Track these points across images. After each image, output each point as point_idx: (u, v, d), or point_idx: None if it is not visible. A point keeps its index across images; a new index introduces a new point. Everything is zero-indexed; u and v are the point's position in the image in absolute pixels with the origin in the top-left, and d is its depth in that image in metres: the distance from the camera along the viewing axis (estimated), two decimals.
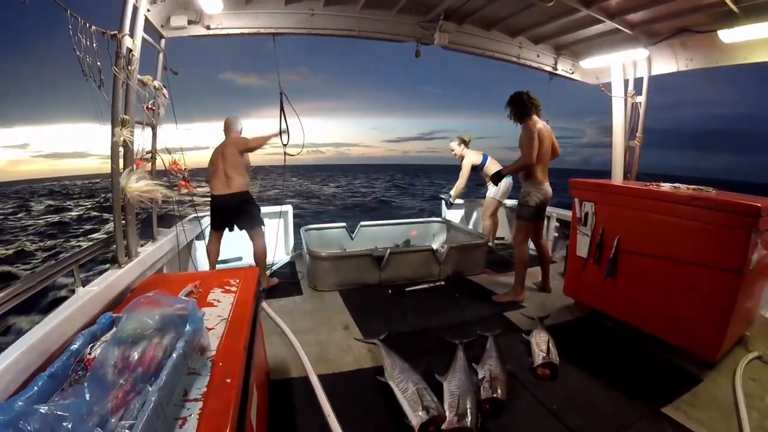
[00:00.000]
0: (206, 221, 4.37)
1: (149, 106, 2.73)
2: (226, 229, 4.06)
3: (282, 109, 3.90)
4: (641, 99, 4.48)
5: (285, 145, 4.00)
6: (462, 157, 5.47)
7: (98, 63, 2.19)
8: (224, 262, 4.40)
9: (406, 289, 4.06)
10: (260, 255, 4.03)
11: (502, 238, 6.01)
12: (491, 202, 5.43)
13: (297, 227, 5.41)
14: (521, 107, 3.55)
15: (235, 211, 3.88)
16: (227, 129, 3.95)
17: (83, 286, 2.07)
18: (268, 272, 4.33)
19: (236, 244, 4.55)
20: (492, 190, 5.32)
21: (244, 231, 4.05)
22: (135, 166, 2.53)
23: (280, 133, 3.96)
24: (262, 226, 4.07)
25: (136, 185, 2.34)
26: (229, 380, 1.25)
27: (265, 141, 3.89)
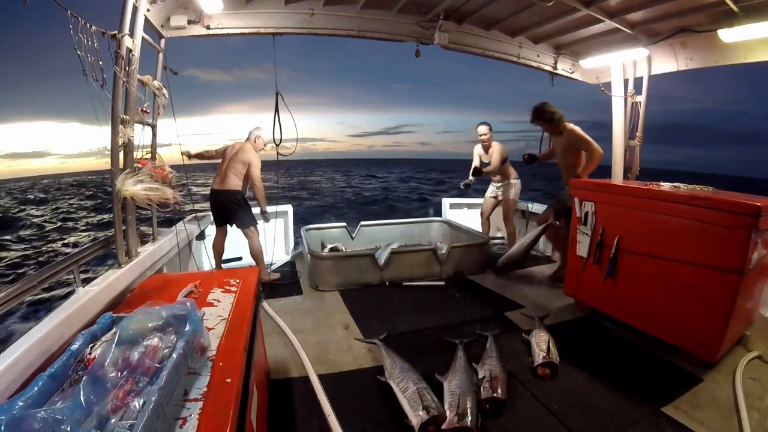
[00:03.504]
0: (205, 222, 4.39)
1: (143, 109, 2.70)
2: (228, 225, 4.22)
3: (276, 109, 3.90)
4: (641, 98, 4.48)
5: (278, 144, 4.02)
6: (489, 145, 5.00)
7: (100, 62, 2.19)
8: (224, 262, 4.42)
9: (404, 284, 4.08)
10: (254, 252, 4.20)
11: (502, 238, 6.01)
12: (514, 205, 5.11)
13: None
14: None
15: (223, 208, 4.06)
16: (248, 136, 4.26)
17: (83, 286, 2.07)
18: (268, 270, 4.41)
19: (236, 244, 4.56)
20: (512, 192, 5.03)
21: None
22: (140, 165, 2.52)
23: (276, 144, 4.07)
24: (254, 227, 4.17)
25: (133, 189, 2.29)
26: (229, 380, 1.25)
27: (259, 191, 4.16)
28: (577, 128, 3.81)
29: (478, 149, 5.13)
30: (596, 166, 3.85)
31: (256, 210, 4.32)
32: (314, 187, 36.49)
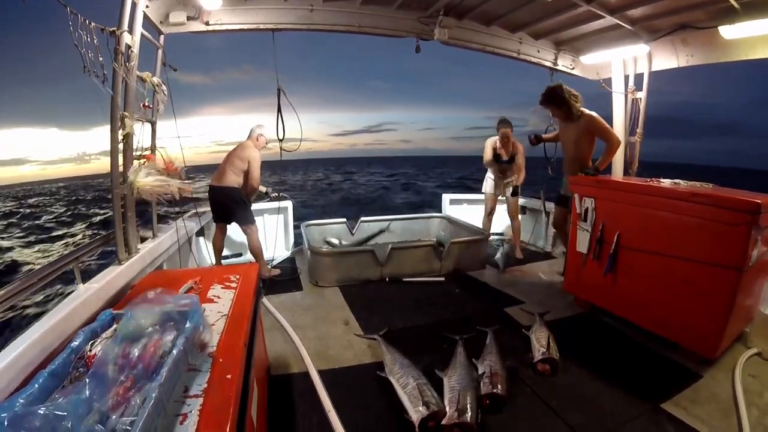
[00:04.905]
0: (205, 218, 4.39)
1: (146, 104, 2.70)
2: (228, 222, 4.20)
3: (279, 106, 3.89)
4: (642, 95, 4.47)
5: (281, 140, 4.01)
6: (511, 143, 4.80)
7: (101, 59, 2.18)
8: (224, 258, 4.42)
9: (404, 280, 4.10)
10: (253, 250, 4.18)
11: (501, 234, 6.02)
12: (517, 200, 5.07)
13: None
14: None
15: (220, 204, 4.04)
16: (249, 134, 4.19)
17: (83, 283, 2.07)
18: (268, 266, 4.41)
19: (237, 241, 4.56)
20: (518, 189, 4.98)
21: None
22: (146, 160, 2.53)
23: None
24: (253, 224, 4.15)
25: (145, 180, 2.32)
26: (229, 376, 1.25)
27: (255, 183, 4.08)
28: (596, 115, 3.61)
29: (492, 142, 4.87)
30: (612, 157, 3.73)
31: (255, 207, 4.32)
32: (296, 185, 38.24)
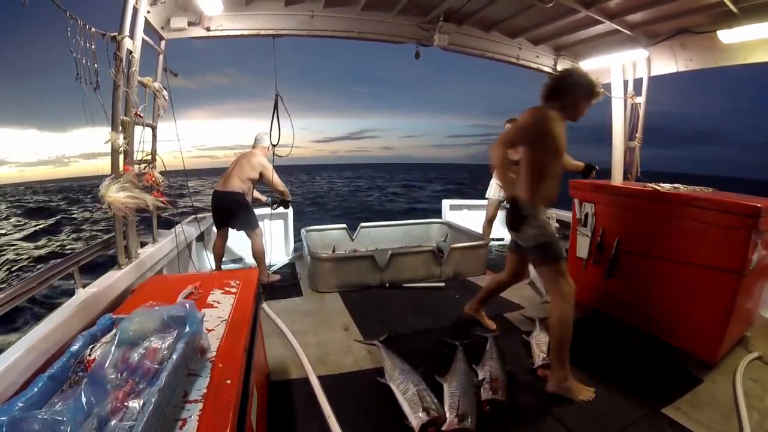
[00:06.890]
0: (205, 223, 4.40)
1: (137, 113, 2.67)
2: (230, 228, 4.20)
3: (275, 111, 3.89)
4: (641, 99, 4.48)
5: (274, 146, 4.02)
6: None
7: (95, 65, 2.18)
8: (224, 263, 4.42)
9: (404, 285, 4.11)
10: (257, 254, 4.19)
11: (502, 239, 6.01)
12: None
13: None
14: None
15: (224, 209, 4.06)
16: (255, 142, 4.29)
17: (83, 288, 2.07)
18: (269, 272, 4.41)
19: (237, 246, 4.55)
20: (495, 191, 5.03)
21: (243, 233, 4.20)
22: (123, 171, 2.47)
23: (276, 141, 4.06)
24: (257, 228, 4.18)
25: (116, 195, 2.26)
26: (229, 381, 1.25)
27: (280, 187, 4.26)
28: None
29: None
30: None
31: (258, 211, 4.34)
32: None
